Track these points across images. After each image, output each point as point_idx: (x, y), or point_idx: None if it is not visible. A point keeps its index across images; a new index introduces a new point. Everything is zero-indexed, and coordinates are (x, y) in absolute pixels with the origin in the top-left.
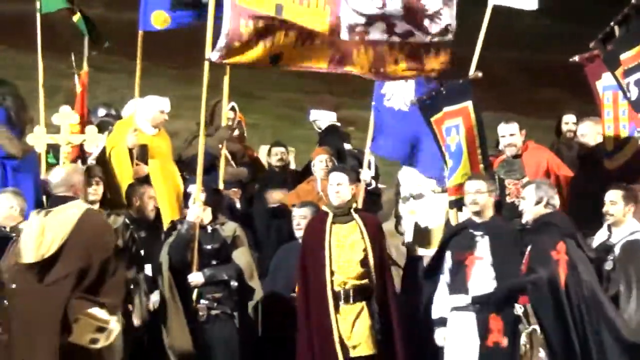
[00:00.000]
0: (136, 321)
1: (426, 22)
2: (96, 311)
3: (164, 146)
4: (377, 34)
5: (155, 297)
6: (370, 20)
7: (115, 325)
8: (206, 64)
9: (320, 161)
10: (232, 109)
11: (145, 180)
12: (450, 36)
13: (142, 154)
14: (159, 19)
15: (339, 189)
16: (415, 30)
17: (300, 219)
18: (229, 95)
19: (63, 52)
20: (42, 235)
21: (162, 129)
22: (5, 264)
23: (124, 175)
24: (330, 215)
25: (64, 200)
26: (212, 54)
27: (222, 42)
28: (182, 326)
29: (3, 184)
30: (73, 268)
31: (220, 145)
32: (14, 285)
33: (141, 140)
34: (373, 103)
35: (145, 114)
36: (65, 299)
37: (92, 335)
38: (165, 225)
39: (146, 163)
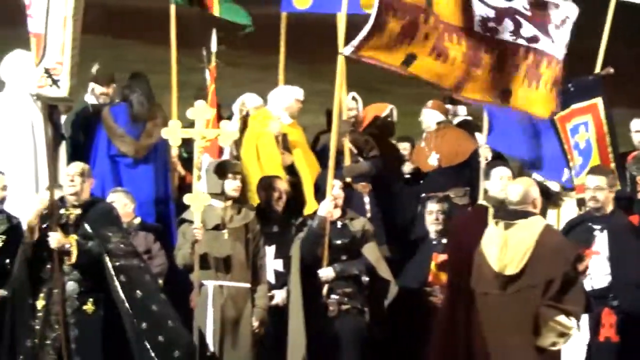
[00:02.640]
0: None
1: (551, 28)
2: (562, 318)
3: (300, 136)
4: (506, 33)
5: (283, 293)
6: (499, 14)
7: (575, 331)
8: (339, 58)
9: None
10: (354, 99)
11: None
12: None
13: (282, 143)
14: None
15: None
16: (541, 35)
17: (438, 213)
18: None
19: (192, 47)
20: (505, 247)
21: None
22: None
23: (272, 165)
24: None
25: (524, 214)
26: (345, 49)
27: (360, 35)
28: (300, 324)
29: (116, 180)
30: (539, 280)
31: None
32: (483, 290)
33: (283, 130)
34: None
35: (281, 103)
36: (535, 306)
37: (554, 340)
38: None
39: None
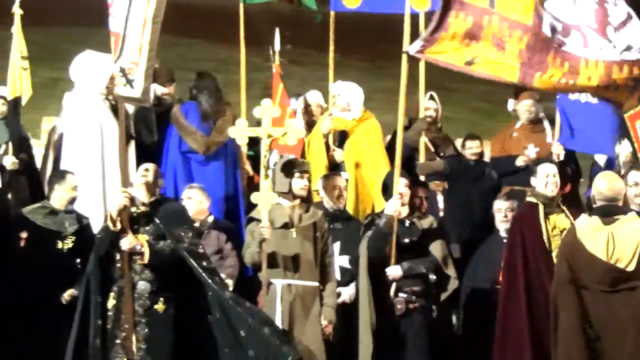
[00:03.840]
0: None
1: (610, 32)
2: None
3: (366, 132)
4: (572, 46)
5: (351, 290)
6: (567, 28)
7: None
8: (404, 57)
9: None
10: (432, 98)
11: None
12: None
13: (340, 139)
14: None
15: (555, 180)
16: (606, 43)
17: (507, 211)
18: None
19: (258, 46)
20: (612, 243)
21: (369, 115)
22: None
23: (316, 164)
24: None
25: (622, 210)
26: (410, 47)
27: (425, 34)
28: (368, 323)
29: (188, 177)
30: None
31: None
32: (592, 287)
33: (340, 126)
34: (557, 96)
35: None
36: None
37: None
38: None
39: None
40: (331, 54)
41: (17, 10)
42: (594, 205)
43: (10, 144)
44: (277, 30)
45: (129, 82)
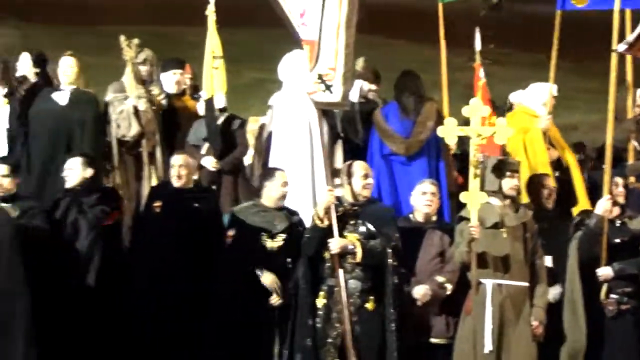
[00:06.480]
0: None
1: None
2: None
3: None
4: None
5: (556, 291)
6: None
7: None
8: (613, 56)
9: None
10: None
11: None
12: None
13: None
14: None
15: None
16: None
17: None
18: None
19: (460, 45)
20: None
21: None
22: None
23: (540, 162)
24: None
25: None
26: (619, 46)
27: (635, 32)
28: (581, 324)
29: (390, 179)
30: None
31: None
32: None
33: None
34: None
35: (539, 98)
36: None
37: None
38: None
39: None
40: (554, 53)
41: (210, 12)
42: None
43: (209, 144)
44: (477, 30)
45: (328, 87)
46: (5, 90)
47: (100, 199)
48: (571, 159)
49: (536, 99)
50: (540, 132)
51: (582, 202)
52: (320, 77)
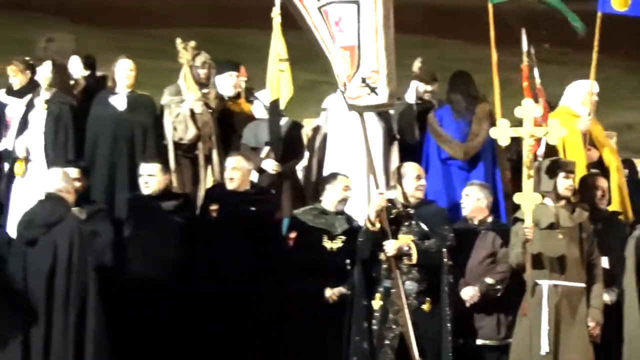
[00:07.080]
0: None
1: None
2: None
3: (601, 131)
4: None
5: (612, 292)
6: None
7: None
8: None
9: None
10: None
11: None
12: None
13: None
14: (620, 1)
15: None
16: None
17: None
18: None
19: (513, 45)
20: None
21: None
22: None
23: (577, 164)
24: None
25: None
26: None
27: None
28: (637, 327)
29: (448, 183)
30: None
31: None
32: None
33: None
34: None
35: (576, 97)
36: None
37: None
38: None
39: None
40: (594, 55)
41: (275, 14)
42: None
43: (269, 147)
44: (524, 30)
45: (373, 90)
46: (48, 95)
47: (179, 206)
48: (612, 160)
49: (574, 97)
50: (580, 134)
51: (614, 204)
52: (364, 80)
